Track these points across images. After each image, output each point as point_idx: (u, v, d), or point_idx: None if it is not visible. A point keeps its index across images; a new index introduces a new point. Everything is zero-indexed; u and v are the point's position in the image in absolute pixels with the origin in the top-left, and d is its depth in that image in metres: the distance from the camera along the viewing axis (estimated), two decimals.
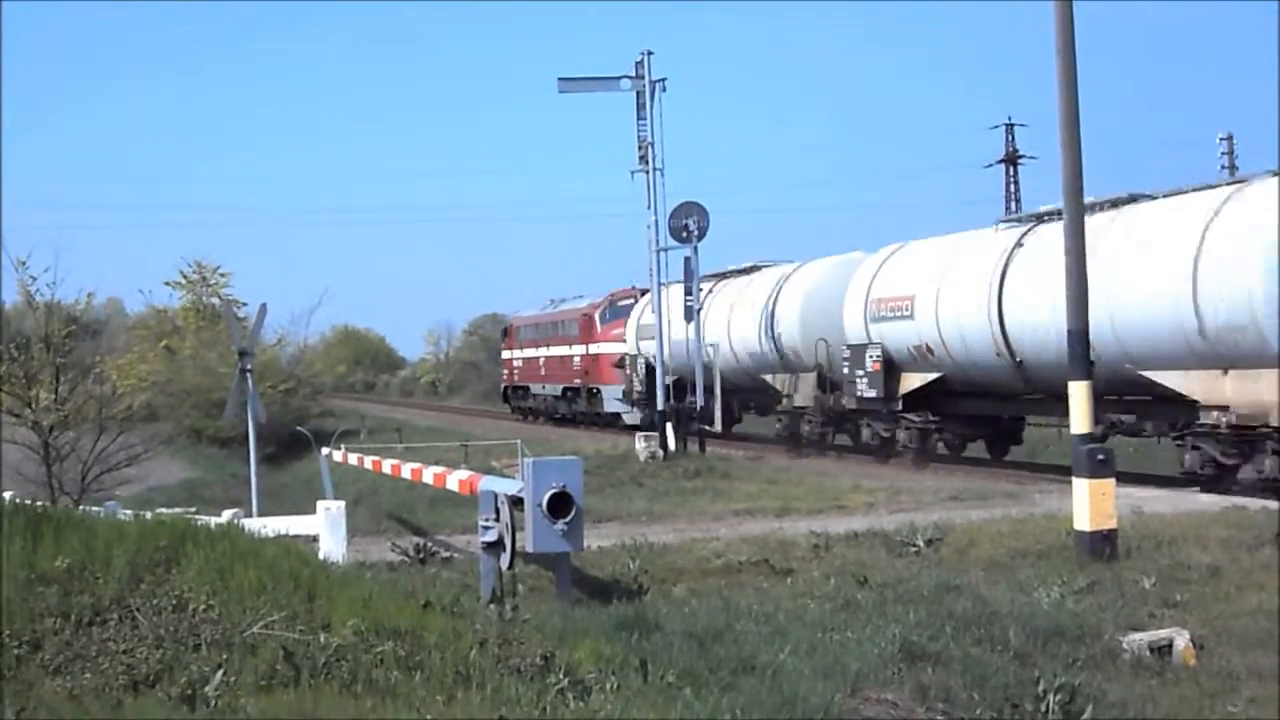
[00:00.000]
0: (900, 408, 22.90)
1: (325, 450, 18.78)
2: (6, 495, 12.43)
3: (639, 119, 25.03)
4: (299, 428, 35.23)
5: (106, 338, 44.17)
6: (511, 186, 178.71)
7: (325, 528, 10.90)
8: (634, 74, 25.07)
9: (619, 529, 13.78)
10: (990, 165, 62.31)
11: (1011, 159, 61.62)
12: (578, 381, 40.26)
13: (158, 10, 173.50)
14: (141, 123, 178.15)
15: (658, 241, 25.40)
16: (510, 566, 9.42)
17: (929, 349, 21.85)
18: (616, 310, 38.16)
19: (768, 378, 27.80)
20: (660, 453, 23.44)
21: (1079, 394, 11.07)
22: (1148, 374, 17.16)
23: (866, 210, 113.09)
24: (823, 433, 26.08)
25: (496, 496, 9.48)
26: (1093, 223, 16.75)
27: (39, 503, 9.39)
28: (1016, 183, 61.65)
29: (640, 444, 23.65)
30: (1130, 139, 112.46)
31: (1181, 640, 7.62)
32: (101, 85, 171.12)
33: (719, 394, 27.00)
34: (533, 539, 8.93)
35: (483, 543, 9.58)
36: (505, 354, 50.20)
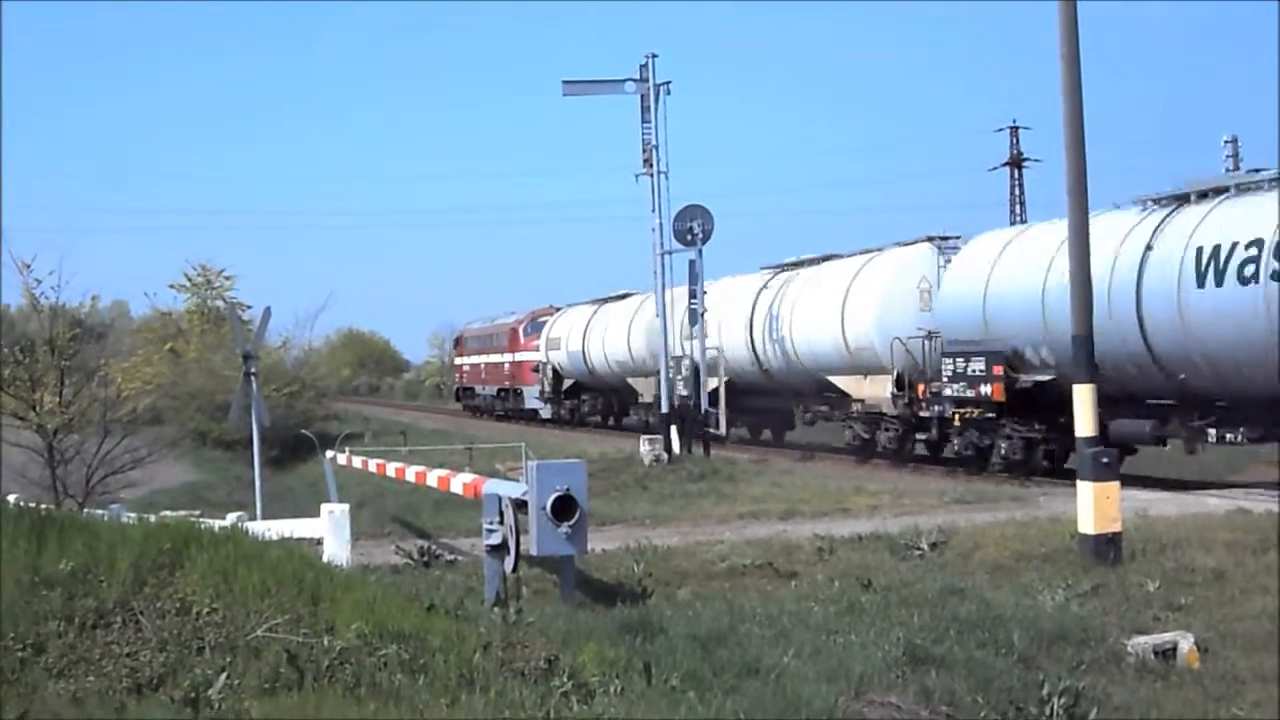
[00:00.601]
0: (707, 403, 28.88)
1: (329, 453, 18.76)
2: (11, 498, 12.47)
3: (644, 122, 25.05)
4: (303, 431, 35.27)
5: (111, 341, 44.07)
6: (516, 189, 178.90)
7: (329, 531, 10.93)
8: (638, 77, 25.09)
9: (623, 532, 13.79)
10: (995, 168, 62.21)
11: (1016, 162, 61.44)
12: (507, 383, 48.09)
13: (158, 10, 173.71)
14: (142, 123, 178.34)
15: (661, 244, 25.42)
16: (514, 569, 9.43)
17: (718, 360, 28.62)
18: (536, 325, 45.73)
19: (630, 380, 35.69)
20: (665, 456, 23.45)
21: (1083, 397, 10.97)
22: (829, 378, 24.87)
23: (872, 213, 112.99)
24: (666, 421, 31.69)
25: (501, 500, 9.48)
26: (804, 275, 27.10)
27: (43, 506, 9.39)
28: (1021, 186, 61.51)
29: (645, 447, 23.67)
30: (1136, 141, 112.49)
31: (1186, 643, 7.60)
32: (102, 85, 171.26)
33: (723, 398, 27.29)
34: (537, 542, 8.93)
35: (487, 546, 9.59)
36: (457, 360, 58.55)
